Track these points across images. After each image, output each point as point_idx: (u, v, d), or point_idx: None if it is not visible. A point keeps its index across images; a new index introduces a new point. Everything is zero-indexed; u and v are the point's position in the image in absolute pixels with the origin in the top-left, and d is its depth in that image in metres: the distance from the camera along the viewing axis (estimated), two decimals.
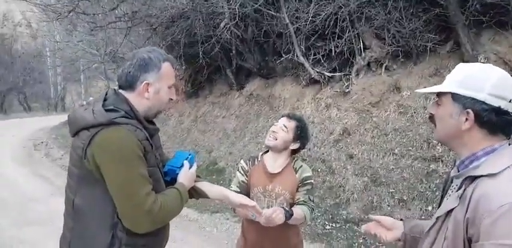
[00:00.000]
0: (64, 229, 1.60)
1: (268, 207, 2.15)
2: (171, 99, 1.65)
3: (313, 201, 2.26)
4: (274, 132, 2.24)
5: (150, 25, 8.59)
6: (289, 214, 2.02)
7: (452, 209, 1.12)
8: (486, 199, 1.03)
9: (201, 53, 7.77)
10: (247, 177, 2.30)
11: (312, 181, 2.28)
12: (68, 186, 1.58)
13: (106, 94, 1.59)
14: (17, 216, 5.37)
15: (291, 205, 2.20)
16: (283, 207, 2.07)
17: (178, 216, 5.87)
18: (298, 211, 2.12)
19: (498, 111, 1.10)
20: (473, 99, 1.12)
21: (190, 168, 1.74)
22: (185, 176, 1.70)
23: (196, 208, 5.75)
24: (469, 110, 1.12)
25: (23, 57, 26.35)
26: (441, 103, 1.20)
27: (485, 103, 1.11)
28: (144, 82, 1.54)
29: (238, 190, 2.24)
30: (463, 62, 5.32)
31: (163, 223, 1.57)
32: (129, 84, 1.55)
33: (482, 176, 1.08)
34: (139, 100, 1.56)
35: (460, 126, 1.14)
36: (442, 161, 4.61)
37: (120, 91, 1.58)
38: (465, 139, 1.16)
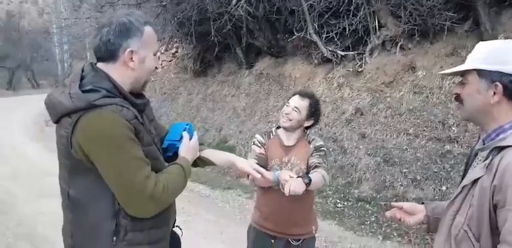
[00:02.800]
0: (64, 221, 1.49)
1: None
2: (156, 68, 1.50)
3: (326, 164, 2.29)
4: (287, 113, 2.26)
5: (160, 1, 8.44)
6: (308, 180, 1.99)
7: (478, 179, 1.15)
8: None
9: (213, 30, 7.63)
10: (264, 149, 2.33)
11: (325, 148, 2.33)
12: (60, 176, 1.45)
13: (83, 71, 1.39)
14: (35, 189, 5.47)
15: (307, 173, 2.22)
16: (300, 176, 2.03)
17: (191, 191, 5.89)
18: (317, 175, 2.10)
19: None
20: (499, 72, 1.15)
21: (190, 139, 1.61)
22: (187, 148, 1.57)
23: (208, 184, 5.83)
24: (497, 83, 1.15)
25: (30, 34, 26.23)
26: (466, 82, 1.23)
27: None
28: (128, 50, 1.35)
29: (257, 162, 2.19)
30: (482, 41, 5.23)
31: (169, 203, 1.44)
32: (110, 53, 1.36)
33: (509, 146, 1.11)
34: (124, 71, 1.38)
35: (488, 100, 1.18)
36: (457, 142, 4.58)
37: (99, 65, 1.39)
38: (494, 113, 1.19)
